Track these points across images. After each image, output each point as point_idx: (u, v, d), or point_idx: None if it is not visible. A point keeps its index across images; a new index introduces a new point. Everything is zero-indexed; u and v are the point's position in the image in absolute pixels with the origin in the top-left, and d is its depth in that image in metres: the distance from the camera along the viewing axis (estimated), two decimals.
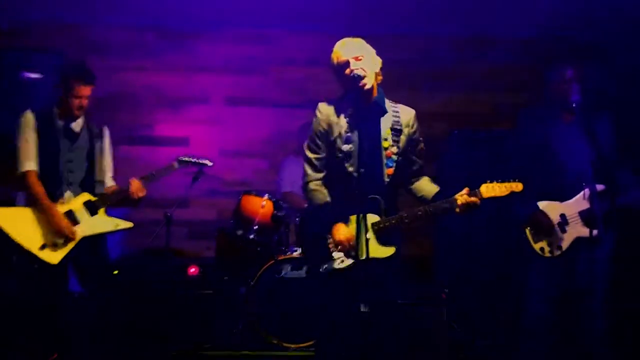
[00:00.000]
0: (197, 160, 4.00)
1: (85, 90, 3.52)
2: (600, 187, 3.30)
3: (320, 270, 2.89)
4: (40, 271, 3.40)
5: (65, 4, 5.09)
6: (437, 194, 2.99)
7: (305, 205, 3.86)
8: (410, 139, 3.00)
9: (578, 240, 3.38)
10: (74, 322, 3.95)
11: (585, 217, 3.36)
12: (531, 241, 3.45)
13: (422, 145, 3.08)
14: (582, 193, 3.39)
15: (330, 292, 2.94)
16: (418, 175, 3.09)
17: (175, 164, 3.89)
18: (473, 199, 2.83)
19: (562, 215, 3.42)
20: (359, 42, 2.96)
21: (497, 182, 2.88)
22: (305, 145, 3.06)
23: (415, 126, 3.02)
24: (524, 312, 3.56)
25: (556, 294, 3.45)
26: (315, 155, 3.01)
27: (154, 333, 4.05)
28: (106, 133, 3.75)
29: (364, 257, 2.67)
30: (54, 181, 3.50)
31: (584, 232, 3.33)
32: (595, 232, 3.25)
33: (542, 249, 3.43)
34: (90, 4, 5.09)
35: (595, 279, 3.36)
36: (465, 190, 2.86)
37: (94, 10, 5.20)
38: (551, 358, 3.49)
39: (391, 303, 3.01)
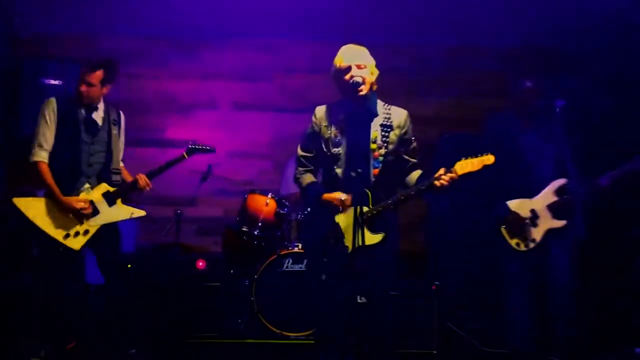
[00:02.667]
0: (204, 147, 3.88)
1: (92, 77, 3.44)
2: (562, 181, 3.43)
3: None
4: (62, 260, 3.40)
5: (83, 16, 5.10)
6: (420, 176, 2.97)
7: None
8: (402, 139, 2.98)
9: (550, 232, 3.45)
10: (91, 311, 4.02)
11: (554, 209, 3.44)
12: (507, 238, 3.51)
13: (414, 144, 3.04)
14: (548, 188, 3.47)
15: (328, 284, 2.95)
16: (412, 172, 3.06)
17: (185, 155, 3.78)
18: (450, 175, 2.80)
19: (532, 211, 3.48)
20: (364, 51, 2.97)
21: (470, 157, 2.84)
22: (299, 144, 3.09)
23: (406, 127, 2.99)
24: (505, 303, 3.61)
25: (534, 285, 3.52)
26: (305, 154, 3.05)
27: (164, 322, 4.06)
28: (122, 118, 3.70)
29: (355, 245, 2.70)
30: (73, 172, 3.47)
31: (555, 223, 3.43)
32: (564, 222, 3.38)
33: (517, 244, 3.49)
34: (106, 16, 5.10)
35: (567, 267, 3.43)
36: (441, 171, 2.84)
37: (109, 21, 5.21)
38: (531, 345, 3.54)
39: (384, 293, 3.02)
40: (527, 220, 3.47)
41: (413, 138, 3.04)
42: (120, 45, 5.46)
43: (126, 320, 3.54)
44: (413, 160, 3.04)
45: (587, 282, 3.61)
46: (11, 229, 4.39)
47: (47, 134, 3.43)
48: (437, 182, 2.81)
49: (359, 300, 3.08)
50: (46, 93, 4.76)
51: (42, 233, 3.38)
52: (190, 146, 3.83)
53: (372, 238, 2.86)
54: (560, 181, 3.46)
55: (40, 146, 3.42)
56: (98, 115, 3.56)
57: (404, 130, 2.99)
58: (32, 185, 4.48)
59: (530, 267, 3.51)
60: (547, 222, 3.46)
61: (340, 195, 2.86)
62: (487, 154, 2.84)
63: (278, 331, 4.06)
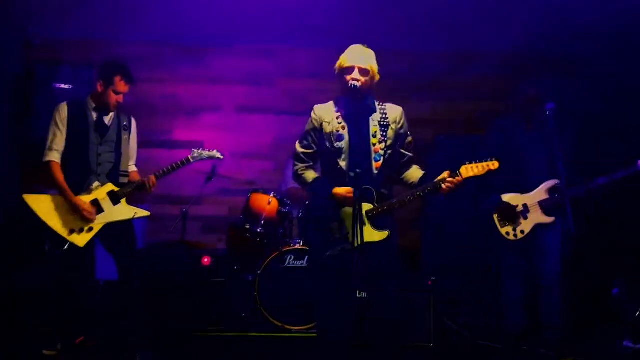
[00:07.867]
0: (208, 153, 3.79)
1: (125, 88, 3.48)
2: (554, 181, 3.48)
3: (328, 254, 2.83)
4: (70, 255, 3.35)
5: (93, 23, 5.05)
6: (423, 177, 2.96)
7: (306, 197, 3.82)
8: (398, 134, 2.97)
9: (539, 227, 3.51)
10: (100, 306, 3.95)
11: (544, 206, 3.51)
12: (498, 226, 3.57)
13: (410, 138, 3.03)
14: (541, 186, 3.53)
15: (329, 279, 2.88)
16: (408, 166, 3.04)
17: (190, 158, 3.70)
18: (456, 179, 2.79)
19: (524, 205, 3.54)
20: (370, 55, 2.93)
21: (475, 162, 2.83)
22: (297, 141, 3.04)
23: (402, 122, 2.99)
24: (502, 293, 3.63)
25: (525, 274, 3.56)
26: (305, 151, 3.00)
27: (170, 317, 4.02)
28: (133, 123, 3.66)
29: (359, 242, 2.64)
30: (84, 172, 3.44)
31: (544, 219, 3.50)
32: (552, 219, 3.46)
33: (507, 233, 3.55)
34: (115, 22, 5.05)
35: (558, 261, 3.48)
36: (446, 174, 2.82)
37: (118, 27, 5.17)
38: (525, 332, 3.56)
39: (390, 289, 2.95)
40: (518, 212, 3.54)
41: (408, 133, 3.03)
42: (130, 51, 5.37)
43: (135, 315, 3.48)
44: (409, 154, 3.02)
45: (577, 275, 3.67)
46: (25, 227, 4.33)
47: (58, 137, 3.43)
48: (443, 185, 2.80)
49: (358, 295, 3.08)
50: (58, 97, 4.77)
51: (50, 229, 3.34)
52: (195, 150, 3.76)
53: (378, 235, 2.82)
54: (553, 181, 3.52)
55: (52, 148, 3.43)
56: (109, 118, 3.54)
57: (399, 125, 2.97)
58: (44, 185, 4.43)
59: (524, 259, 3.56)
60: (537, 217, 3.52)
61: (351, 191, 2.81)
62: (492, 160, 2.82)
63: (280, 325, 4.04)
